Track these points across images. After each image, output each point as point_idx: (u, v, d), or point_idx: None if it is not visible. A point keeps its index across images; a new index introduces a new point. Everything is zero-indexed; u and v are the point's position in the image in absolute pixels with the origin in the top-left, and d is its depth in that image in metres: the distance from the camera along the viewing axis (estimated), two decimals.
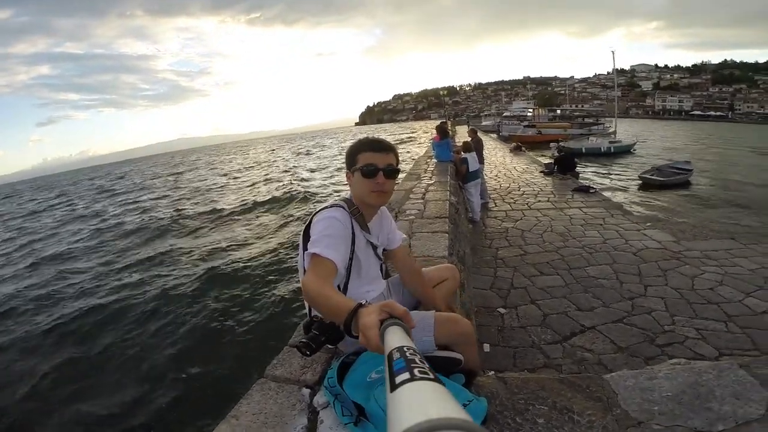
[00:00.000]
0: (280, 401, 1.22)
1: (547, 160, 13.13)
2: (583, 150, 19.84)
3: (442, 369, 1.22)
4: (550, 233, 4.93)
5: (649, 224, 5.27)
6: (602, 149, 21.20)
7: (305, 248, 1.18)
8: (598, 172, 15.47)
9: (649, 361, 2.37)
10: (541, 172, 10.10)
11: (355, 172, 1.28)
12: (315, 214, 1.27)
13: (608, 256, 4.10)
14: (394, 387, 0.40)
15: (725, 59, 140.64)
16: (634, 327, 2.75)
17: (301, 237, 1.28)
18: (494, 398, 1.22)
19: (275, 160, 34.68)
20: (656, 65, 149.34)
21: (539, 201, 6.81)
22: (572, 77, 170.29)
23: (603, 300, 3.15)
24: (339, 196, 1.56)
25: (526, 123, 32.62)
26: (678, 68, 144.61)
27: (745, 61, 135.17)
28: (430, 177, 5.73)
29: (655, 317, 2.87)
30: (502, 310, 3.15)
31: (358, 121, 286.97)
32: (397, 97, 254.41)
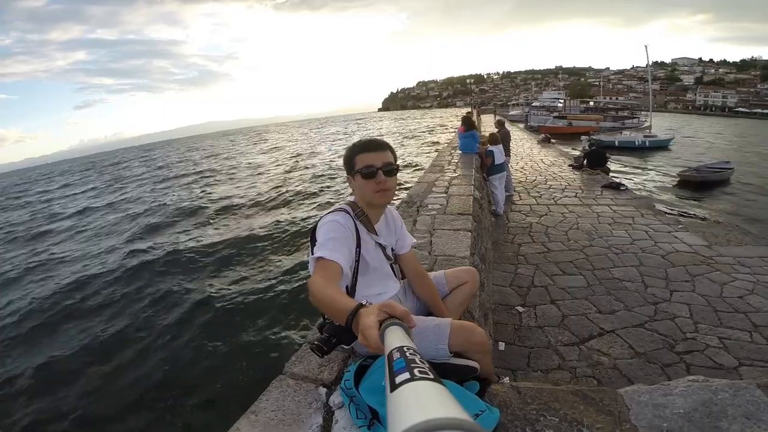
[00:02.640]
0: (297, 399, 1.27)
1: (577, 153, 12.76)
2: (616, 143, 19.09)
3: (456, 376, 1.25)
4: (575, 231, 4.84)
5: (681, 226, 5.09)
6: (636, 143, 20.29)
7: (312, 253, 1.21)
8: (630, 168, 14.86)
9: (666, 368, 2.35)
10: (569, 165, 9.83)
11: (356, 175, 1.30)
12: (320, 219, 1.31)
13: (635, 257, 4.02)
14: (394, 387, 0.41)
15: None
16: (655, 333, 2.72)
17: (309, 243, 1.31)
18: (507, 407, 1.24)
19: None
20: (700, 59, 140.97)
21: (566, 196, 6.67)
22: (607, 68, 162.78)
23: (626, 303, 3.11)
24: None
25: (556, 114, 31.54)
26: (724, 63, 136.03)
27: None
28: (454, 170, 5.68)
29: (678, 324, 2.82)
30: (520, 309, 3.16)
31: (381, 107, 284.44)
32: (422, 84, 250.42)
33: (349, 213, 1.31)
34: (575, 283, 3.50)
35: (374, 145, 1.31)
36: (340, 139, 37.76)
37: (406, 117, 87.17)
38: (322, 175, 16.25)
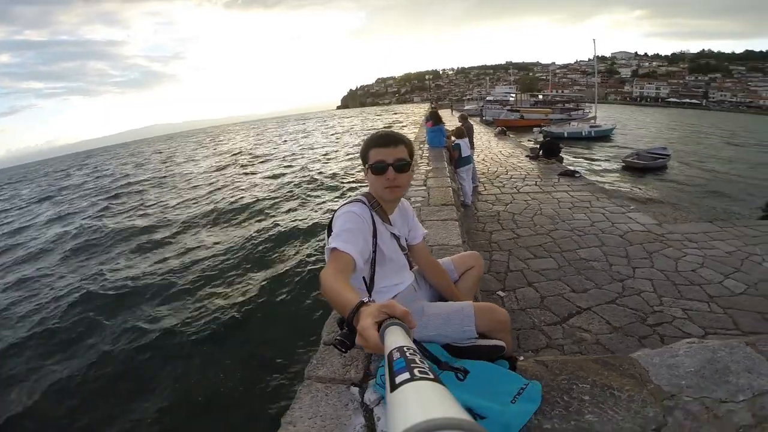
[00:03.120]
0: (331, 402, 1.23)
1: (531, 145, 13.39)
2: (565, 134, 20.25)
3: (486, 357, 1.27)
4: (540, 216, 5.03)
5: (632, 207, 5.43)
6: (583, 134, 21.70)
7: (328, 243, 1.20)
8: (580, 156, 15.80)
9: (643, 340, 2.48)
10: (526, 156, 10.23)
11: (368, 169, 1.30)
12: (337, 210, 1.30)
13: (597, 238, 4.23)
14: (394, 387, 0.41)
15: (703, 49, 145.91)
16: (626, 308, 2.87)
17: (326, 233, 1.30)
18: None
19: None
20: (636, 53, 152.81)
21: (527, 185, 6.92)
22: (553, 63, 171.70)
23: (595, 282, 3.26)
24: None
25: (509, 107, 32.82)
26: (657, 57, 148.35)
27: (722, 51, 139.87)
28: (427, 163, 5.73)
29: (645, 298, 2.99)
30: (501, 293, 3.21)
31: (339, 104, 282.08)
32: (380, 81, 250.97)
33: (365, 203, 1.31)
34: (547, 266, 3.61)
35: (387, 140, 1.29)
36: (304, 138, 36.37)
37: (366, 114, 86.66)
38: (294, 183, 14.27)
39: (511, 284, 3.35)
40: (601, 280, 3.29)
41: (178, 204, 13.13)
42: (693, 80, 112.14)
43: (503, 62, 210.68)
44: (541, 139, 15.62)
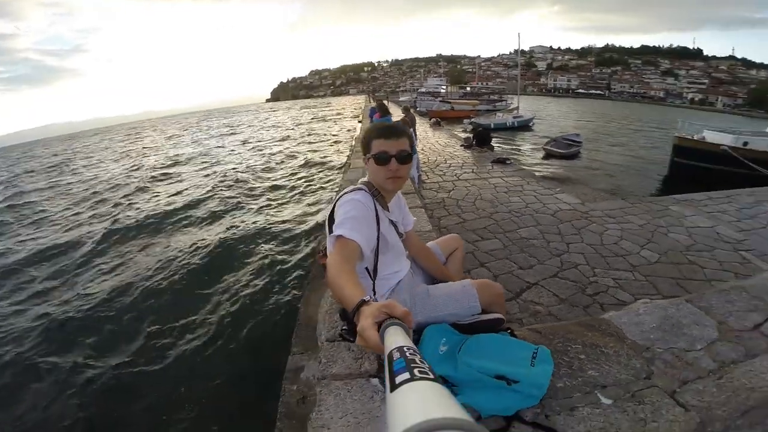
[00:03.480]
0: (356, 397, 1.23)
1: (463, 135, 14.15)
2: (492, 125, 21.43)
3: (489, 330, 1.36)
4: (481, 201, 5.27)
5: (558, 189, 5.93)
6: (507, 124, 23.28)
7: (331, 230, 1.19)
8: (506, 145, 16.92)
9: (586, 309, 2.71)
10: (461, 145, 10.68)
11: (370, 159, 1.32)
12: (338, 198, 1.29)
13: (532, 218, 4.54)
14: (394, 387, 0.41)
15: (607, 44, 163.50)
16: (568, 280, 3.11)
17: (326, 222, 1.29)
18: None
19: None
20: (551, 47, 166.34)
21: (465, 172, 7.22)
22: (479, 56, 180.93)
23: (538, 258, 3.50)
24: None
25: (440, 99, 34.02)
26: (569, 50, 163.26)
27: (623, 45, 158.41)
28: None
29: (581, 270, 3.27)
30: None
31: (269, 97, 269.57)
32: (315, 73, 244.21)
33: (367, 191, 1.33)
34: (494, 246, 3.78)
35: (391, 132, 1.32)
36: (231, 135, 32.86)
37: (295, 107, 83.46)
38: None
39: (465, 266, 3.40)
40: (543, 256, 3.53)
41: (82, 218, 11.22)
42: (598, 73, 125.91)
43: (434, 55, 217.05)
44: (470, 128, 16.62)
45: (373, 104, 16.74)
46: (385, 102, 16.00)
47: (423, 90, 42.99)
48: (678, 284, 3.08)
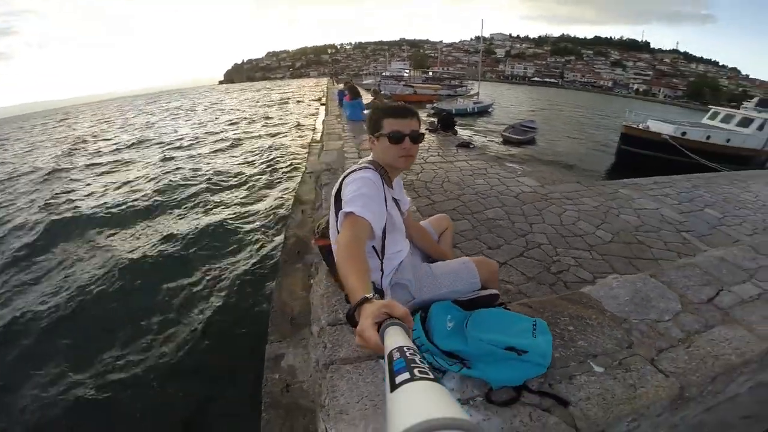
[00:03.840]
0: (369, 380, 1.22)
1: (427, 119, 14.29)
2: (453, 110, 21.79)
3: (487, 305, 1.40)
4: (448, 183, 5.34)
5: (519, 172, 6.13)
6: (468, 110, 23.78)
7: (338, 209, 1.17)
8: (467, 129, 17.29)
9: (552, 286, 2.84)
10: (426, 129, 10.72)
11: (381, 138, 1.31)
12: (345, 176, 1.27)
13: (497, 200, 4.67)
14: (394, 387, 0.41)
15: (563, 33, 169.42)
16: (533, 260, 3.24)
17: (332, 200, 1.28)
18: None
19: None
20: (510, 35, 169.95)
21: (431, 155, 7.27)
22: (441, 41, 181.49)
23: (504, 238, 3.61)
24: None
25: (403, 83, 33.98)
26: (527, 39, 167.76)
27: (577, 36, 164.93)
28: (353, 136, 5.58)
29: (544, 250, 3.42)
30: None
31: (222, 79, 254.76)
32: (272, 55, 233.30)
33: (375, 170, 1.33)
34: (464, 227, 3.85)
35: (404, 112, 1.35)
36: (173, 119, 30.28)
37: (252, 89, 79.47)
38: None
39: None
40: (509, 237, 3.65)
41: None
42: (553, 62, 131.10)
43: (397, 39, 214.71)
44: (434, 113, 16.87)
45: (340, 86, 16.39)
46: (350, 82, 15.72)
47: (387, 74, 42.69)
48: (630, 263, 3.30)
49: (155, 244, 6.50)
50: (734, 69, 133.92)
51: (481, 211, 4.29)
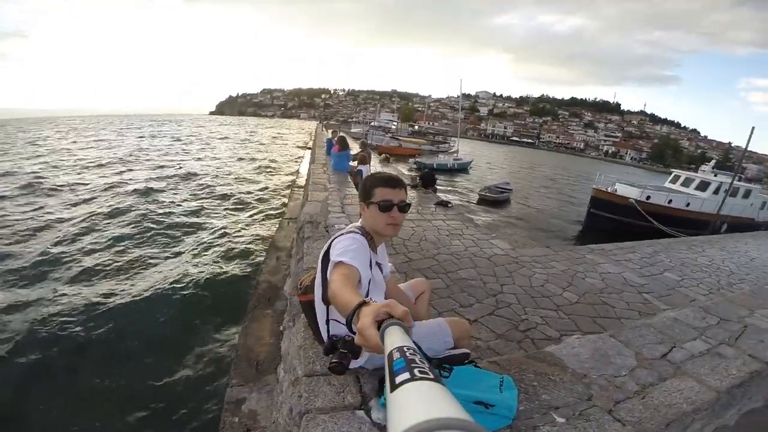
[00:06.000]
0: (344, 429, 1.28)
1: (409, 174, 14.93)
2: (435, 166, 22.46)
3: (458, 363, 1.56)
4: (425, 242, 5.58)
5: (493, 235, 6.46)
6: (448, 166, 24.72)
7: (324, 268, 1.30)
8: (446, 186, 17.97)
9: (519, 343, 3.03)
10: (408, 185, 11.14)
11: (371, 206, 1.44)
12: (333, 239, 1.40)
13: (471, 261, 4.92)
14: (394, 387, 0.41)
15: (542, 94, 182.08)
16: (503, 318, 3.45)
17: (319, 262, 1.41)
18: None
19: None
20: (494, 93, 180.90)
21: (411, 212, 7.57)
22: (430, 96, 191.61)
23: (476, 297, 3.81)
24: None
25: (390, 135, 35.32)
26: (509, 98, 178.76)
27: (555, 96, 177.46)
28: (338, 188, 5.82)
29: (514, 309, 3.64)
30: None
31: (213, 110, 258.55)
32: (267, 92, 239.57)
33: (361, 234, 1.44)
34: (438, 285, 4.03)
35: (395, 183, 1.48)
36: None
37: (244, 123, 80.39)
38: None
39: None
40: (480, 296, 3.87)
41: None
42: (531, 122, 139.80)
43: (389, 89, 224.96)
44: (415, 167, 17.61)
45: (329, 135, 16.94)
46: (338, 132, 16.33)
47: (375, 124, 44.32)
48: (594, 321, 3.59)
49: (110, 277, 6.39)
50: (694, 130, 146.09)
51: (455, 271, 4.52)
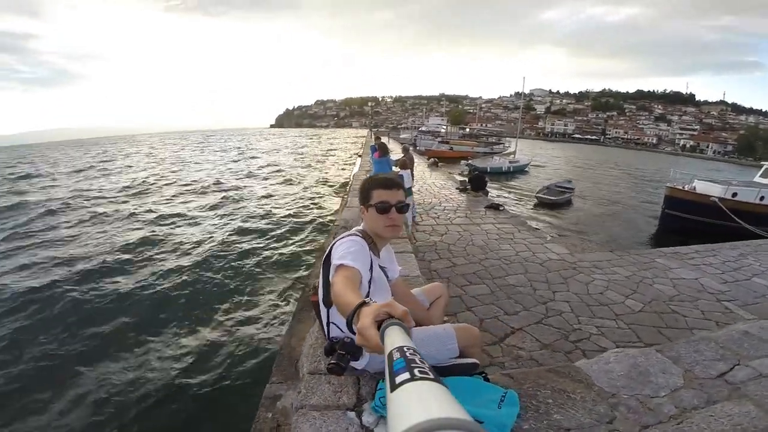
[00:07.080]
0: (331, 428, 1.29)
1: (459, 177, 14.51)
2: (488, 169, 21.59)
3: (465, 373, 1.48)
4: (472, 246, 5.43)
5: (549, 239, 6.11)
6: (503, 169, 23.68)
7: (326, 273, 1.32)
8: (501, 190, 17.24)
9: (568, 354, 2.83)
10: (457, 188, 10.96)
11: (370, 208, 1.45)
12: (334, 243, 1.42)
13: (521, 266, 4.69)
14: (394, 387, 0.41)
15: (604, 88, 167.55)
16: (551, 327, 3.25)
17: (321, 265, 1.42)
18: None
19: None
20: (550, 90, 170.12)
21: (458, 216, 7.42)
22: (480, 97, 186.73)
23: (523, 305, 3.63)
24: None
25: (440, 139, 34.95)
26: (567, 94, 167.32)
27: (619, 90, 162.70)
28: None
29: (565, 318, 3.41)
30: (444, 318, 3.41)
31: (273, 123, 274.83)
32: (320, 103, 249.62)
33: (362, 238, 1.44)
34: (481, 291, 3.92)
35: (390, 184, 1.46)
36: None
37: (302, 135, 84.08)
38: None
39: (453, 309, 3.55)
40: (528, 303, 3.68)
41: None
42: (594, 117, 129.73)
43: (437, 93, 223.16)
44: (467, 172, 17.11)
45: (374, 142, 17.12)
46: (386, 139, 16.43)
47: (424, 129, 44.19)
48: (660, 332, 3.23)
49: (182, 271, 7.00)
50: None
51: (502, 277, 4.34)
